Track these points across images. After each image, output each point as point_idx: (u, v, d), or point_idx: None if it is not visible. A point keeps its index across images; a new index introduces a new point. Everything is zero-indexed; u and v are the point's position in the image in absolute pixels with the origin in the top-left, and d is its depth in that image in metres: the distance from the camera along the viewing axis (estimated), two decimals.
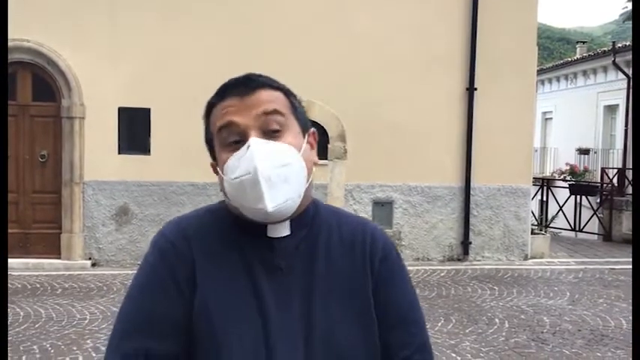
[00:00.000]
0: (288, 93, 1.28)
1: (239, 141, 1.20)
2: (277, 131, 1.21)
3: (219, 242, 1.25)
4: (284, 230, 1.25)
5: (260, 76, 1.28)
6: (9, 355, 5.02)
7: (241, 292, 1.21)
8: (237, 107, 1.21)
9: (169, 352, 1.19)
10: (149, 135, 8.99)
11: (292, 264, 1.25)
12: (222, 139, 1.22)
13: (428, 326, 5.83)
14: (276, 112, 1.22)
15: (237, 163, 1.17)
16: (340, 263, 1.28)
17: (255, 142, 1.18)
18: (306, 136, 1.28)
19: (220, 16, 8.95)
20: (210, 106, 1.27)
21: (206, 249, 1.24)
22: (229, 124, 1.21)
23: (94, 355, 5.20)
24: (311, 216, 1.31)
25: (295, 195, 1.19)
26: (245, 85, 1.23)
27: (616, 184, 14.56)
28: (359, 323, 1.25)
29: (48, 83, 8.86)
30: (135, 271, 1.28)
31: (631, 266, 9.43)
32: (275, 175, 1.16)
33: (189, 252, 1.23)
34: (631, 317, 6.53)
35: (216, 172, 1.26)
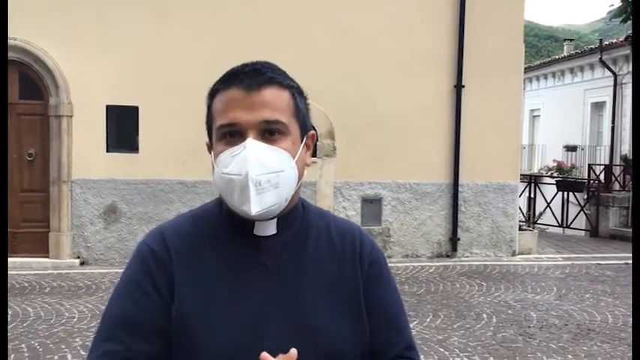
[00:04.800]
0: (296, 92, 1.25)
1: (236, 134, 1.19)
2: (276, 133, 1.20)
3: (202, 245, 1.26)
4: (270, 229, 1.26)
5: (270, 68, 1.23)
6: None
7: (224, 290, 1.22)
8: (239, 102, 1.19)
9: (147, 352, 1.20)
10: (137, 133, 8.95)
11: (280, 261, 1.26)
12: (221, 133, 1.21)
13: (417, 322, 5.82)
14: (277, 122, 1.20)
15: (231, 160, 1.17)
16: (329, 263, 1.29)
17: (251, 144, 1.16)
18: (305, 139, 1.27)
19: (208, 14, 8.93)
20: (214, 92, 1.24)
21: (186, 254, 1.25)
22: (230, 124, 1.19)
23: (82, 353, 5.18)
24: (299, 216, 1.31)
25: (282, 199, 1.20)
26: (252, 78, 1.20)
27: (603, 181, 14.66)
28: (348, 319, 1.26)
29: (35, 81, 8.81)
30: (123, 270, 1.30)
31: (617, 262, 9.53)
32: (265, 181, 1.16)
33: (168, 259, 1.24)
34: (616, 312, 6.61)
35: (210, 152, 1.26)
